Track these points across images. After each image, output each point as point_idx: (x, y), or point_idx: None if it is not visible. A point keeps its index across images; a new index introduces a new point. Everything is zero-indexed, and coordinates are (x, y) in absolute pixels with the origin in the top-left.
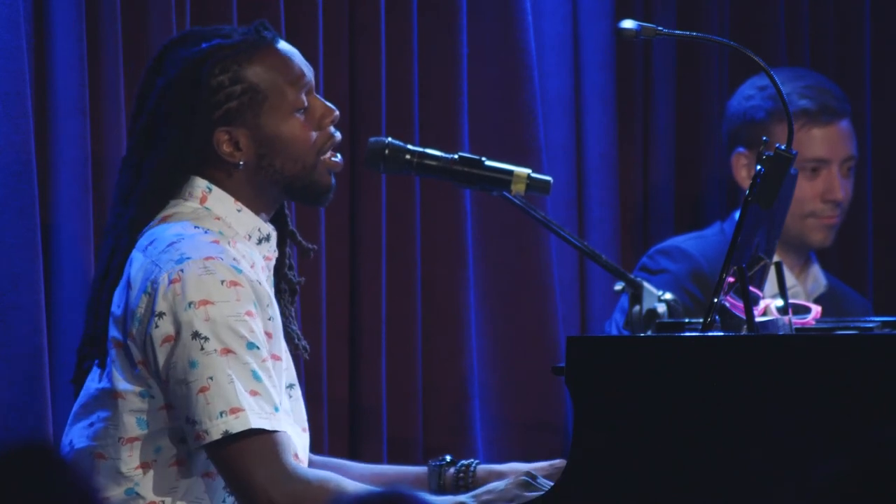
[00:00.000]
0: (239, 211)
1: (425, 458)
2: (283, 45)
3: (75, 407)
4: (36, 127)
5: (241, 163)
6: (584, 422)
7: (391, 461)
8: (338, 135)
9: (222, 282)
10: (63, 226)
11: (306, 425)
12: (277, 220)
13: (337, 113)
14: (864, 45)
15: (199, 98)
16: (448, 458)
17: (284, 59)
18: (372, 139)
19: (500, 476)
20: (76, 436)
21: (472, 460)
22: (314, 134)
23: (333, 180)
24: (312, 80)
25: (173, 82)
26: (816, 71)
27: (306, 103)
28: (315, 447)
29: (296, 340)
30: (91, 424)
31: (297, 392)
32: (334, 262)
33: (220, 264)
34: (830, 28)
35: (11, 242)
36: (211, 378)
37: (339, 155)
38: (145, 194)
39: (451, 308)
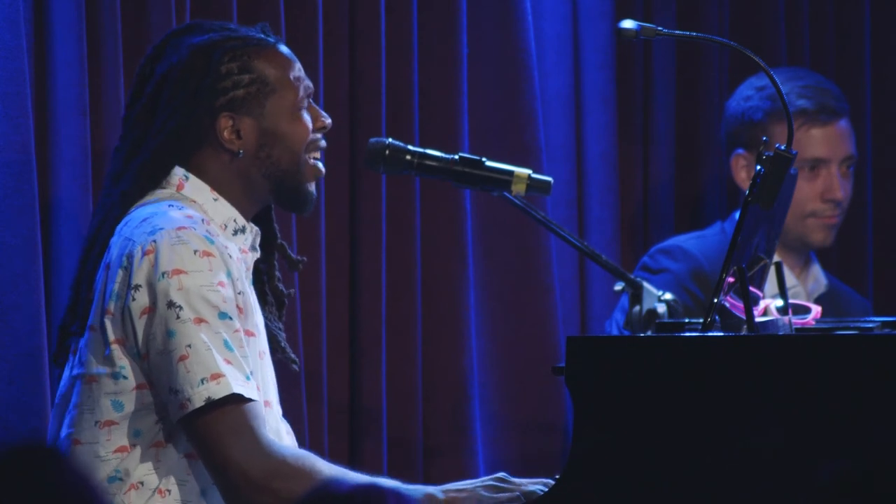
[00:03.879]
0: (215, 200)
1: (425, 457)
2: (287, 50)
3: (56, 398)
4: (36, 127)
5: (241, 151)
6: (584, 422)
7: (391, 461)
8: (323, 142)
9: (195, 251)
10: (63, 226)
11: (290, 428)
12: (265, 232)
13: (329, 121)
14: (864, 45)
15: (206, 83)
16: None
17: (290, 61)
18: (372, 140)
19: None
20: (56, 426)
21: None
22: (310, 135)
23: (314, 190)
24: (312, 87)
25: (178, 67)
26: (816, 71)
27: (305, 105)
28: (315, 447)
29: (282, 344)
30: (69, 412)
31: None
32: (334, 262)
33: (192, 234)
34: (830, 28)
35: (11, 242)
36: (189, 346)
37: (320, 163)
38: (139, 171)
39: (451, 308)
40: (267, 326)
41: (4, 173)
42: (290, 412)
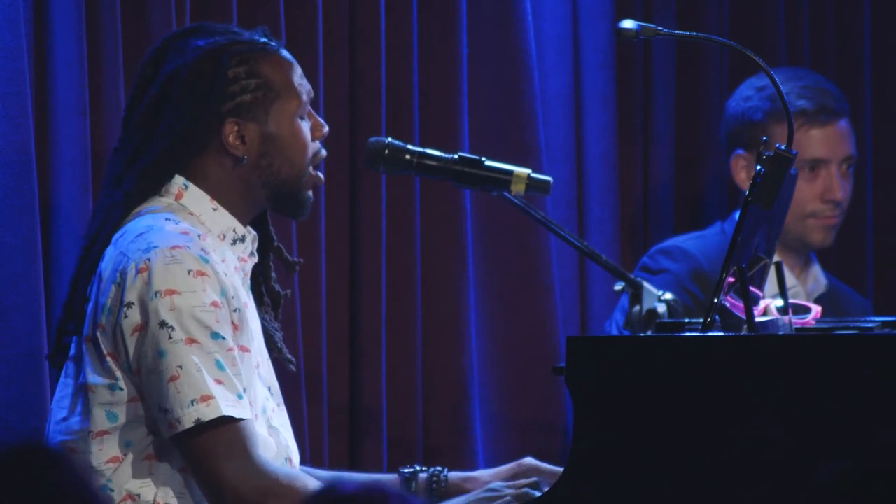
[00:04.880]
0: (214, 210)
1: (425, 458)
2: (289, 54)
3: (52, 403)
4: (36, 127)
5: (245, 157)
6: (584, 422)
7: (391, 461)
8: (324, 151)
9: (189, 271)
10: (63, 226)
11: (291, 434)
12: (262, 234)
13: (327, 129)
14: (864, 45)
15: (214, 86)
16: (417, 466)
17: (293, 66)
18: (372, 139)
19: (472, 481)
20: (51, 431)
21: (442, 468)
22: (311, 144)
23: (312, 196)
24: (312, 92)
25: (185, 69)
26: (816, 71)
27: (306, 112)
28: (315, 447)
29: (279, 344)
30: (64, 419)
31: (280, 398)
32: (334, 262)
33: (187, 253)
34: (830, 28)
35: (11, 242)
36: (180, 367)
37: (320, 171)
38: (143, 173)
39: (451, 308)
40: (264, 327)
41: (4, 173)
42: (291, 412)
